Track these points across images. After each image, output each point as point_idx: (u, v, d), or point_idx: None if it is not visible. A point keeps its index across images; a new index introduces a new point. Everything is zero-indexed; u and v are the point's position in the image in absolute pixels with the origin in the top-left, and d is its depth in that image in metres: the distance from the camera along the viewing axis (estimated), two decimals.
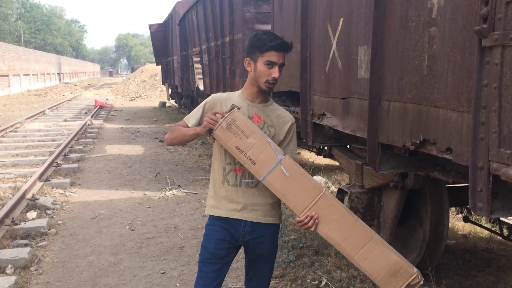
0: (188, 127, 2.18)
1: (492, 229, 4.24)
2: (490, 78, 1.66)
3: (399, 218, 3.32)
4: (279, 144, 2.16)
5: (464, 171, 2.37)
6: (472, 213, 4.53)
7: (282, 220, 4.53)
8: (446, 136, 1.99)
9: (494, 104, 1.65)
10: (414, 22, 2.18)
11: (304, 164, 7.33)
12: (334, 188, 5.81)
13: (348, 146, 3.84)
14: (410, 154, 2.56)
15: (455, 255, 3.99)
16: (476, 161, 1.74)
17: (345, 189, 3.51)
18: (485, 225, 4.33)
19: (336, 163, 7.05)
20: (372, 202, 3.43)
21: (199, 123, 2.17)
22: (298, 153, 8.40)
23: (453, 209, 4.97)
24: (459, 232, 4.56)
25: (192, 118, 2.21)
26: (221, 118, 1.99)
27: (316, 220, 1.97)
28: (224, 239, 2.18)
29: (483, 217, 4.48)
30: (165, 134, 10.66)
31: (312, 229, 1.98)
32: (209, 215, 2.24)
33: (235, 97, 2.20)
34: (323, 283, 3.37)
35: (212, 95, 2.25)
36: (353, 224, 1.97)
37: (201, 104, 2.24)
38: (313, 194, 1.98)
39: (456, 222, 4.78)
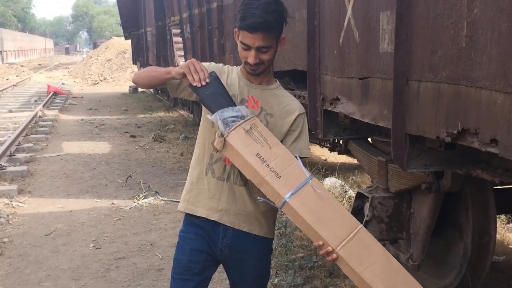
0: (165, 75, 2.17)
1: None
2: None
3: (434, 229, 3.34)
4: (281, 140, 2.15)
5: None
6: None
7: (286, 234, 4.57)
8: (491, 124, 2.00)
9: None
10: None
11: (314, 163, 7.35)
12: (352, 193, 5.83)
13: (369, 139, 3.85)
14: (446, 148, 2.57)
15: (505, 274, 4.02)
16: None
17: (365, 194, 3.51)
18: None
19: (354, 160, 7.06)
20: (399, 209, 3.44)
21: (178, 86, 2.20)
22: None
23: (502, 217, 5.00)
24: (510, 246, 4.58)
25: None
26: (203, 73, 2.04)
27: None
28: (201, 250, 2.18)
29: None
30: (137, 127, 10.60)
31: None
32: (185, 214, 2.25)
33: (235, 71, 2.23)
34: None
35: (208, 63, 2.24)
36: (398, 270, 1.98)
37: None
38: (350, 226, 1.98)
39: (507, 233, 4.81)
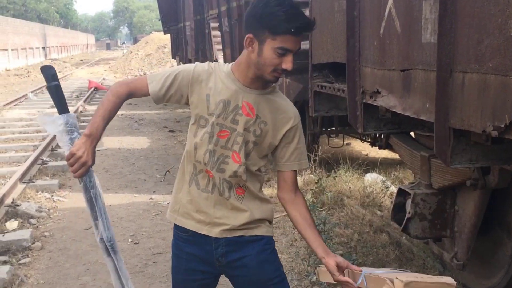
0: (147, 87, 2.02)
1: None
2: None
3: (480, 227, 3.26)
4: (275, 150, 2.07)
5: None
6: None
7: (325, 230, 4.53)
8: None
9: None
10: None
11: (355, 158, 7.27)
12: (393, 188, 5.74)
13: (411, 134, 3.78)
14: (493, 143, 2.49)
15: None
16: None
17: (407, 190, 3.46)
18: None
19: (396, 155, 6.97)
20: (443, 206, 3.37)
21: (163, 95, 2.02)
22: (347, 144, 8.35)
23: None
24: None
25: (158, 81, 2.02)
26: None
27: None
28: (195, 269, 2.10)
29: None
30: (176, 121, 10.72)
31: None
32: (174, 225, 2.15)
33: (221, 73, 2.02)
34: None
35: (193, 65, 2.06)
36: None
37: (174, 70, 2.05)
38: None
39: None
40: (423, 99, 2.76)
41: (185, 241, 2.11)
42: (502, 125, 2.13)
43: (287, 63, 1.88)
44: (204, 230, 2.05)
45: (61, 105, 2.03)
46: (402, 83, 2.99)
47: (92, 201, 2.04)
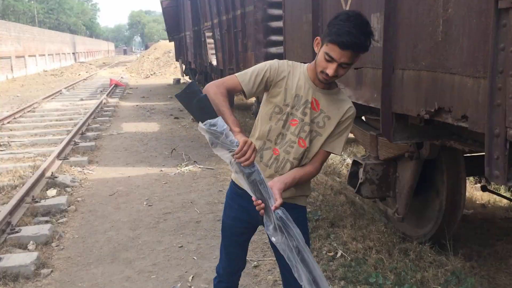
0: (239, 86, 1.90)
1: (511, 197, 4.18)
2: (507, 42, 1.60)
3: (415, 189, 3.30)
4: (328, 137, 1.93)
5: (481, 139, 2.32)
6: (491, 182, 4.47)
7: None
8: (462, 104, 1.94)
9: (511, 68, 1.59)
10: None
11: None
12: (349, 160, 5.78)
13: (362, 118, 3.80)
14: (425, 124, 2.52)
15: (473, 225, 3.96)
16: (493, 128, 1.70)
17: (360, 161, 3.48)
18: (504, 194, 4.27)
19: (351, 135, 7.00)
20: (387, 173, 3.40)
21: (255, 91, 1.90)
22: None
23: (471, 178, 4.91)
24: (477, 202, 4.51)
25: (248, 80, 1.90)
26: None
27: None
28: (241, 219, 2.07)
29: (502, 186, 4.41)
30: (180, 110, 10.53)
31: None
32: (232, 182, 2.09)
33: (299, 72, 1.93)
34: (339, 254, 3.38)
35: (277, 62, 1.95)
36: None
37: (261, 67, 1.93)
38: None
39: (474, 191, 4.72)
40: (372, 91, 2.77)
41: (240, 195, 1.99)
42: (432, 110, 2.15)
43: (329, 69, 1.77)
44: None
45: (209, 113, 1.73)
46: (355, 79, 2.99)
47: (256, 184, 1.75)
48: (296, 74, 1.92)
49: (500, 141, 1.68)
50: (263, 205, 1.74)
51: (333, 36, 1.73)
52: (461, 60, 1.92)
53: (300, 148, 1.91)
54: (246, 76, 1.91)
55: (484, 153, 1.79)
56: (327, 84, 1.90)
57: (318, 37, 1.86)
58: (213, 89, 1.84)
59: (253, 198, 1.76)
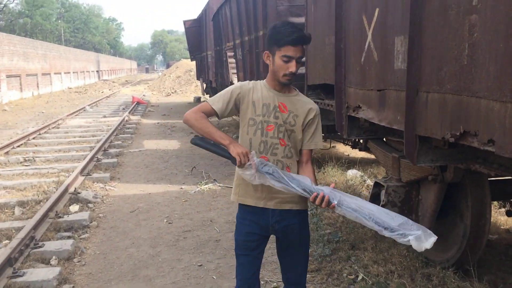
0: (212, 109, 2.16)
1: None
2: None
3: (439, 212, 3.25)
4: (303, 135, 2.19)
5: (507, 163, 2.29)
6: None
7: (316, 214, 4.53)
8: (488, 128, 1.92)
9: None
10: (454, 10, 2.11)
11: (339, 158, 7.25)
12: (370, 182, 5.72)
13: (384, 139, 3.78)
14: (450, 147, 2.49)
15: (498, 250, 3.86)
16: None
17: (381, 183, 3.45)
18: None
19: (372, 156, 6.94)
20: (410, 195, 3.36)
21: (226, 109, 2.16)
22: (333, 147, 8.33)
23: (495, 203, 4.81)
24: (502, 227, 4.40)
25: (218, 101, 2.17)
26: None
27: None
28: (253, 232, 2.21)
29: None
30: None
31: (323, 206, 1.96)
32: (239, 203, 2.26)
33: (260, 86, 2.19)
34: (360, 277, 3.33)
35: (239, 83, 2.24)
36: None
37: (229, 89, 2.20)
38: None
39: (499, 216, 4.62)
40: (395, 113, 2.75)
41: (248, 212, 2.22)
42: (458, 133, 2.13)
43: (291, 67, 2.05)
44: (261, 204, 2.19)
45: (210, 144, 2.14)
46: (378, 100, 2.98)
47: (273, 175, 2.01)
48: (258, 88, 2.18)
49: None
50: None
51: (283, 40, 2.03)
52: (488, 84, 1.90)
53: (283, 147, 2.17)
54: (215, 99, 2.18)
55: (510, 177, 1.76)
56: (287, 89, 2.18)
57: (267, 51, 2.12)
58: (193, 116, 2.15)
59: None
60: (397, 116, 2.71)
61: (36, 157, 8.07)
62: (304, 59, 2.11)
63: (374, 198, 3.54)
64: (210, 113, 2.17)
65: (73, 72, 34.78)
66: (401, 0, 2.60)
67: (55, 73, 29.27)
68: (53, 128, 11.83)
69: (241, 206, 2.26)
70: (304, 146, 2.23)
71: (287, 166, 2.18)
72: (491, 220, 3.88)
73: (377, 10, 2.92)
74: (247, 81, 2.26)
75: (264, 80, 2.23)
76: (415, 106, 2.46)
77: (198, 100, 20.26)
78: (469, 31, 2.01)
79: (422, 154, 2.58)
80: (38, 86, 25.30)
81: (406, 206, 3.37)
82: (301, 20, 6.08)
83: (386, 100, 2.87)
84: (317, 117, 2.22)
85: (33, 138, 10.06)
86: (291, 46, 2.02)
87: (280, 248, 2.30)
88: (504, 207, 4.79)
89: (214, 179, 6.54)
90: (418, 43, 2.40)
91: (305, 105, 2.20)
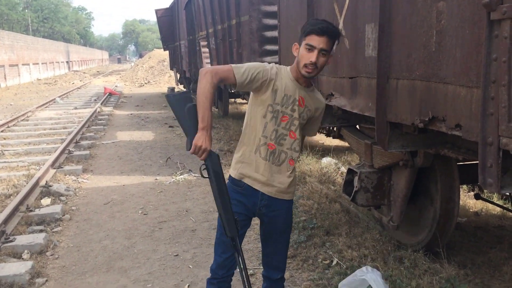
0: (234, 78, 2.05)
1: (504, 205, 4.21)
2: (499, 52, 1.63)
3: (410, 197, 3.32)
4: (306, 123, 2.23)
5: (474, 147, 2.35)
6: (484, 190, 4.51)
7: (293, 201, 4.56)
8: (455, 113, 1.97)
9: (503, 78, 1.62)
10: None
11: (313, 146, 7.32)
12: (344, 169, 5.80)
13: (357, 126, 3.83)
14: (419, 132, 2.54)
15: (467, 233, 3.98)
16: (486, 137, 1.73)
17: (355, 169, 3.50)
18: (497, 202, 4.31)
19: (346, 143, 7.03)
20: (382, 181, 3.42)
21: (245, 86, 2.08)
22: None
23: (464, 187, 4.95)
24: (471, 210, 4.54)
25: (243, 74, 2.06)
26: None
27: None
28: (240, 212, 2.21)
29: (495, 194, 4.45)
30: (174, 119, 10.47)
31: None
32: (231, 179, 2.25)
33: (284, 74, 2.15)
34: (334, 262, 3.39)
35: (269, 65, 2.16)
36: None
37: (256, 65, 2.12)
38: None
39: (468, 199, 4.76)
40: (366, 100, 2.79)
41: (237, 192, 2.21)
42: (426, 119, 2.18)
43: (312, 56, 2.03)
44: (257, 186, 2.19)
45: (194, 121, 1.98)
46: (350, 88, 3.02)
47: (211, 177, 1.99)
48: (282, 76, 2.15)
49: (493, 150, 1.70)
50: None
51: (309, 29, 2.03)
52: (455, 70, 1.95)
53: (291, 140, 2.18)
54: (241, 70, 2.07)
55: (477, 162, 1.82)
56: (308, 82, 2.17)
57: (297, 43, 2.13)
58: (208, 78, 1.99)
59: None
60: (369, 103, 2.75)
61: (5, 150, 7.86)
62: (329, 53, 2.05)
63: (348, 185, 3.60)
64: (229, 80, 2.07)
65: (42, 63, 33.87)
66: None
67: (23, 64, 28.46)
68: (22, 120, 11.53)
69: (231, 186, 2.24)
70: (304, 133, 2.31)
71: (291, 158, 2.20)
72: (460, 204, 4.00)
73: None
74: (273, 64, 2.20)
75: (289, 67, 2.19)
76: (385, 93, 2.51)
77: (172, 90, 20.03)
78: (437, 18, 2.05)
79: (393, 140, 2.63)
80: (5, 78, 24.56)
81: (379, 192, 3.44)
82: (274, 8, 6.08)
83: (358, 87, 2.91)
84: (322, 111, 2.29)
85: (2, 131, 9.79)
86: (315, 35, 2.01)
87: (264, 232, 2.33)
88: (472, 190, 4.94)
89: (189, 170, 6.51)
90: (388, 31, 2.43)
91: (318, 102, 2.24)
